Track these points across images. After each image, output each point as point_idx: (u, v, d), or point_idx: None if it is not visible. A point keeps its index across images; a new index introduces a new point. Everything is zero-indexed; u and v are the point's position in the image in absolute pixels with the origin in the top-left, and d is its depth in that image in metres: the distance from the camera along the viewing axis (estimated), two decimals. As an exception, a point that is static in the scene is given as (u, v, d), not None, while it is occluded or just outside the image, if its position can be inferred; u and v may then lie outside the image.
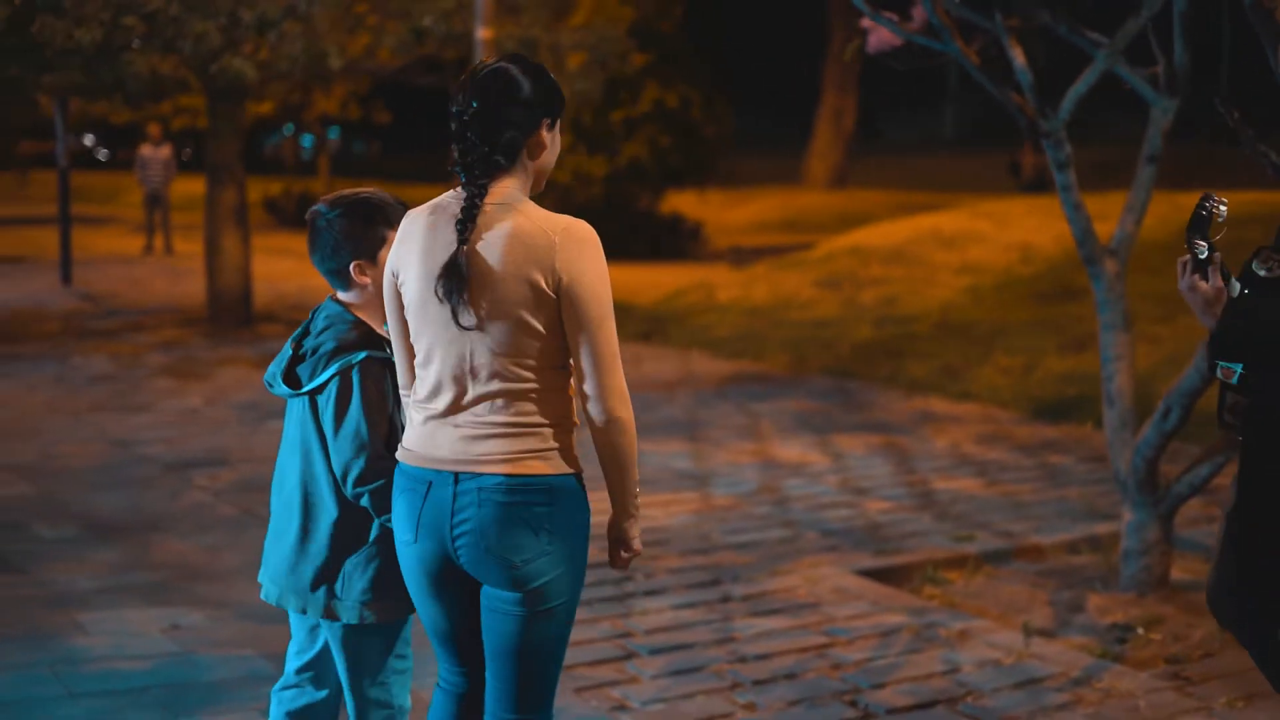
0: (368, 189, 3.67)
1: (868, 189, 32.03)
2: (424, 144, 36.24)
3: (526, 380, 3.19)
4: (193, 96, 19.31)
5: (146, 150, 22.67)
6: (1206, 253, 3.69)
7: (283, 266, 19.19)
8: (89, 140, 51.54)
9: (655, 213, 23.94)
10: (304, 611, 3.64)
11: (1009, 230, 16.12)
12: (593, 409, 3.20)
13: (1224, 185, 6.84)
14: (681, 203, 25.41)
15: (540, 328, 3.16)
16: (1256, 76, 5.41)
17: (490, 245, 3.15)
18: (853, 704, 5.04)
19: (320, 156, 35.46)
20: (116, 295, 17.02)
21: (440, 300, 3.16)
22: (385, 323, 3.46)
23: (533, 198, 3.29)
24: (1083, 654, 5.54)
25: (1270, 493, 3.72)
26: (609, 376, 3.18)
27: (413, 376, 3.34)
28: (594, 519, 3.44)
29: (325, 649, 3.80)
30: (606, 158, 22.74)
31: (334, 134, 49.30)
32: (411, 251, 3.24)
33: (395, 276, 3.30)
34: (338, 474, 3.53)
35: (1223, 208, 3.69)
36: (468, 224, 3.15)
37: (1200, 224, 3.71)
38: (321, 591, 3.60)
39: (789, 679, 5.28)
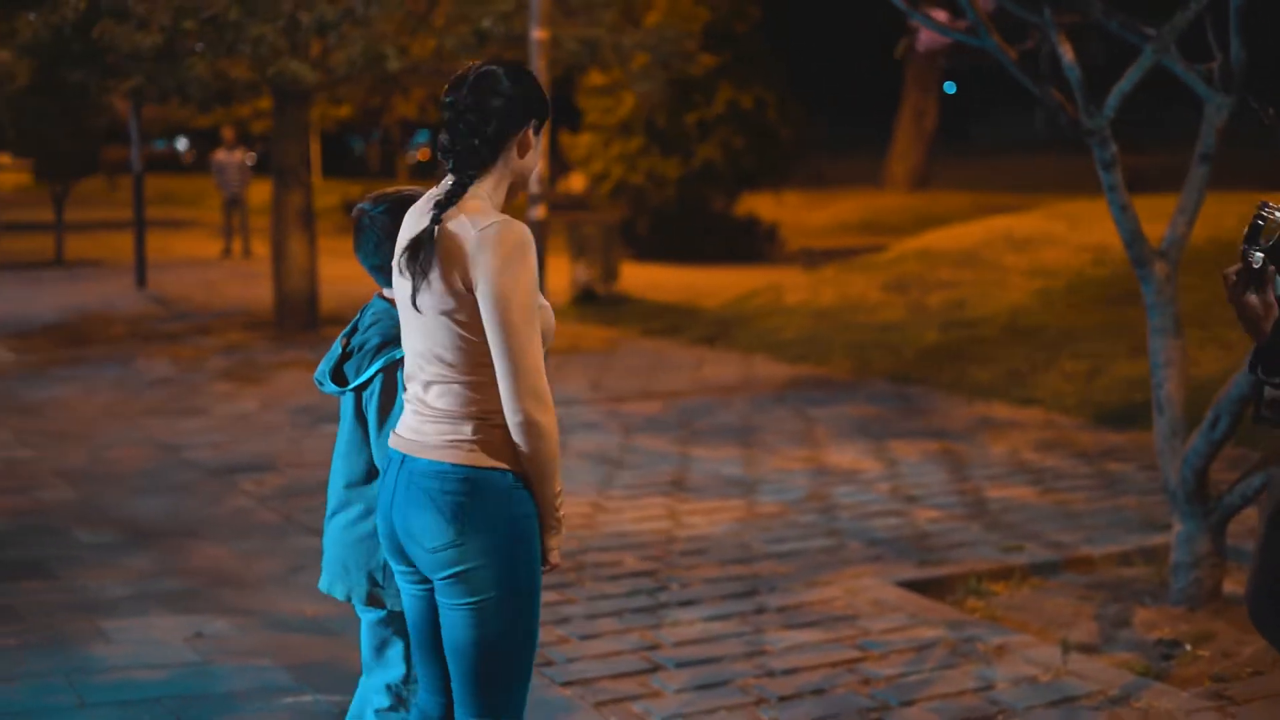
0: (410, 187, 3.75)
1: (950, 191, 31.63)
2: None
3: (464, 371, 3.23)
4: (267, 100, 19.39)
5: (221, 155, 22.87)
6: (1261, 263, 3.52)
7: (354, 270, 19.16)
8: (182, 144, 52.09)
9: (730, 215, 23.79)
10: (348, 598, 3.74)
11: (1083, 232, 15.79)
12: (507, 410, 3.19)
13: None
14: (759, 205, 25.21)
15: (469, 322, 3.19)
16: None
17: (439, 237, 3.21)
18: (878, 722, 4.90)
19: (398, 159, 35.61)
20: (188, 299, 17.13)
21: (402, 275, 3.25)
22: None
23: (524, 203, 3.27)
24: (1124, 671, 5.34)
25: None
26: (521, 379, 3.16)
27: None
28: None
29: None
30: (681, 159, 22.62)
31: (423, 137, 49.42)
32: (400, 239, 3.35)
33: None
34: (380, 468, 3.61)
35: (1279, 215, 3.50)
36: (447, 205, 3.21)
37: (1255, 233, 3.53)
38: (364, 580, 3.71)
39: (816, 694, 5.13)
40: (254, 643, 5.62)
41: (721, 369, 12.33)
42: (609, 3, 13.64)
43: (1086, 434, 9.55)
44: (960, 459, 8.84)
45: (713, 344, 13.68)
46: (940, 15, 7.08)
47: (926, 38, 7.55)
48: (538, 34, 10.25)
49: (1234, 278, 3.58)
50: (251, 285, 18.35)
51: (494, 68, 3.29)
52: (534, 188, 10.30)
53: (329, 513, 3.82)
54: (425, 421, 3.27)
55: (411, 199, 3.63)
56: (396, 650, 3.82)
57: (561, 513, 3.31)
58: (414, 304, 3.23)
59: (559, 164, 33.09)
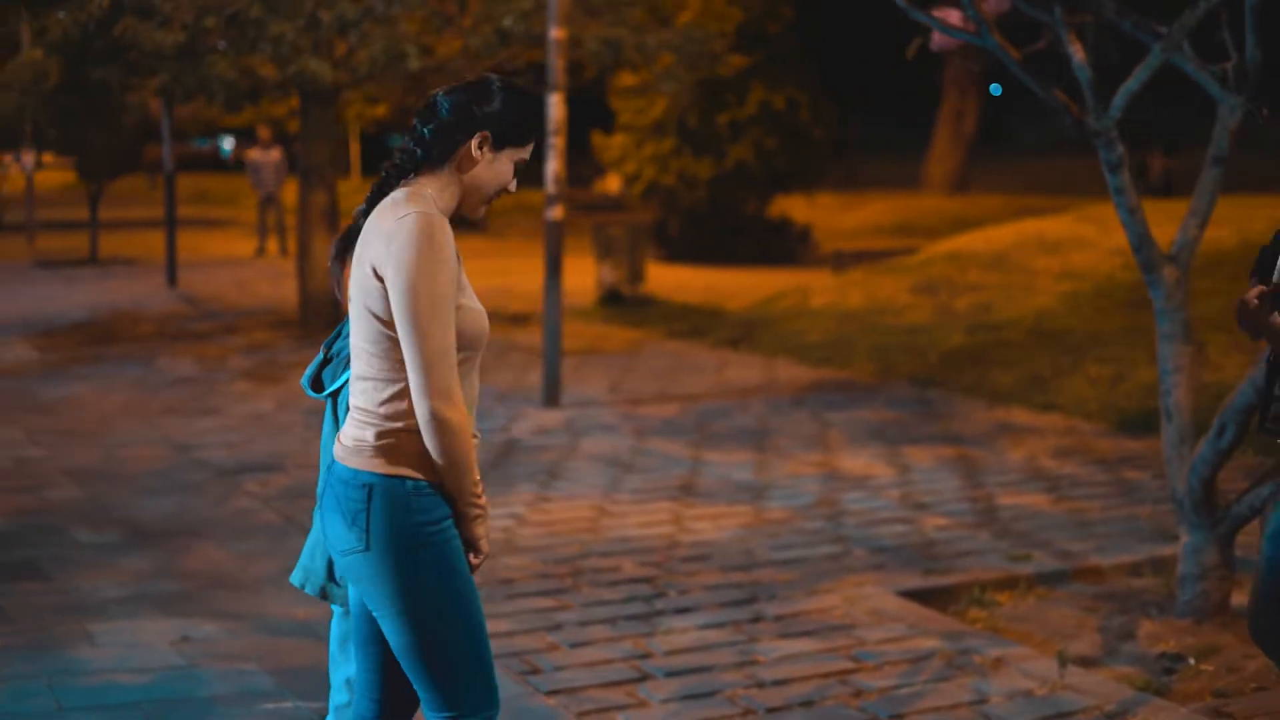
0: None
1: (988, 193, 31.41)
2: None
3: (378, 371, 3.20)
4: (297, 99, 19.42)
5: (255, 154, 22.91)
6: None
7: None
8: (229, 143, 52.19)
9: (762, 216, 23.64)
10: (325, 597, 3.69)
11: (1114, 235, 15.56)
12: (415, 406, 3.13)
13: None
14: (793, 206, 25.06)
15: (382, 317, 3.15)
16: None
17: (364, 230, 3.20)
18: (865, 735, 4.80)
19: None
20: (218, 298, 17.15)
21: (332, 264, 3.30)
22: None
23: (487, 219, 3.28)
24: (1123, 685, 5.22)
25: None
26: (427, 374, 3.10)
27: None
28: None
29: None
30: (713, 160, 22.51)
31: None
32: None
33: None
34: None
35: None
36: (374, 198, 3.23)
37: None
38: (323, 572, 3.65)
39: (805, 706, 5.03)
40: (241, 647, 5.56)
41: (743, 372, 12.22)
42: (634, 2, 13.54)
43: (1106, 441, 9.40)
44: (975, 465, 8.71)
45: (736, 346, 13.58)
46: (953, 16, 6.97)
47: (939, 38, 7.43)
48: (556, 33, 10.15)
49: (1255, 302, 3.51)
50: (281, 284, 18.34)
51: (477, 79, 3.27)
52: (551, 189, 10.21)
53: (315, 516, 3.80)
54: (348, 424, 3.27)
55: None
56: None
57: (483, 500, 3.25)
58: (342, 294, 3.25)
59: (593, 165, 33.07)
